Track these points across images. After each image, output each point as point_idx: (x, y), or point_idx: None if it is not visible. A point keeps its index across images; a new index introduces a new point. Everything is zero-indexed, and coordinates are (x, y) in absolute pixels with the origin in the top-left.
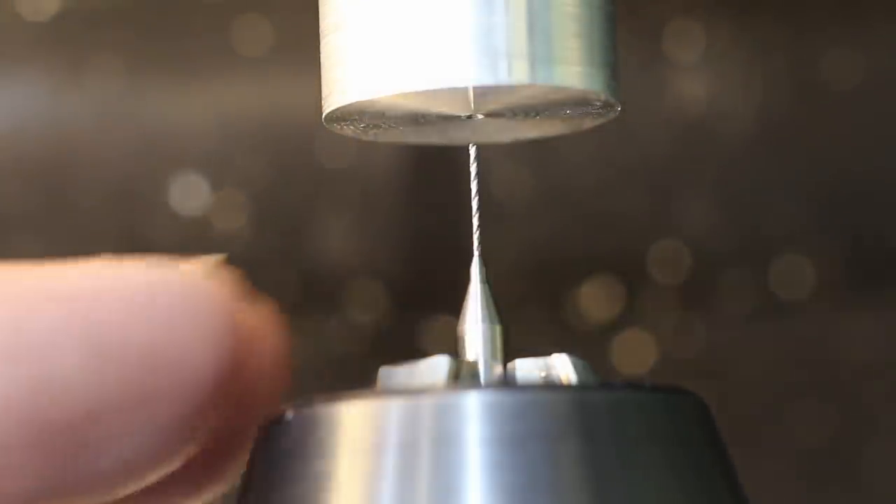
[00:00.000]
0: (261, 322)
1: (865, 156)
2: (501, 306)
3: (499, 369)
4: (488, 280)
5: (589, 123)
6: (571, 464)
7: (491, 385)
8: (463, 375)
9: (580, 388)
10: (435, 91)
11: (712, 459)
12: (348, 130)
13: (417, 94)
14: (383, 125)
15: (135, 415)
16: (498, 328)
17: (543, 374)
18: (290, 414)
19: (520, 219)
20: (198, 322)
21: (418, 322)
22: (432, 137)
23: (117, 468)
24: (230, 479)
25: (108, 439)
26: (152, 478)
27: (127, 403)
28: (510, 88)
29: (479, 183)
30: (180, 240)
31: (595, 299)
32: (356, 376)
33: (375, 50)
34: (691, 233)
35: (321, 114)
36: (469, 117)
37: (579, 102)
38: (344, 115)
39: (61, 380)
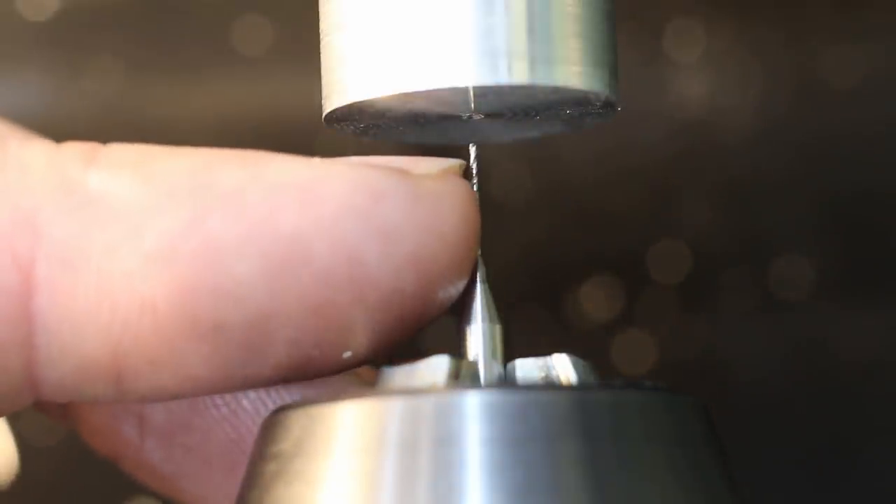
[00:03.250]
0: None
1: (865, 155)
2: (501, 306)
3: (499, 369)
4: (488, 280)
5: (589, 123)
6: (571, 464)
7: (491, 385)
8: (463, 375)
9: (580, 388)
10: (435, 91)
11: (711, 459)
12: (348, 130)
13: (417, 94)
14: (383, 125)
15: (317, 323)
16: (498, 328)
17: (543, 374)
18: (290, 414)
19: (520, 219)
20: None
21: None
22: (432, 137)
23: (290, 367)
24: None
25: (280, 343)
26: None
27: (307, 314)
28: (510, 88)
29: (479, 183)
30: None
31: (595, 299)
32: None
33: (375, 50)
34: (691, 233)
35: (321, 114)
36: (469, 117)
37: (579, 102)
38: (344, 115)
39: (235, 285)
